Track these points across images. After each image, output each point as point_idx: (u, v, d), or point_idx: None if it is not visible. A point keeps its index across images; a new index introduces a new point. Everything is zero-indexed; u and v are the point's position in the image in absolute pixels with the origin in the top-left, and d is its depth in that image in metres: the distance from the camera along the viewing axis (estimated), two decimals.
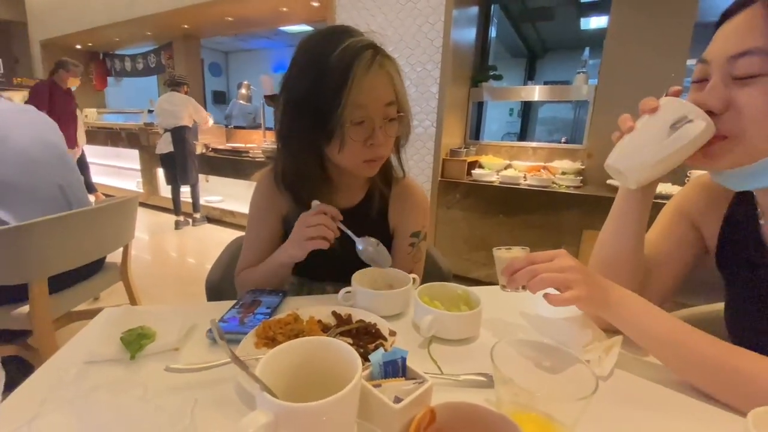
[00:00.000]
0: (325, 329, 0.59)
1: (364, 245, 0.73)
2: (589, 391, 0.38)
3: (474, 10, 2.86)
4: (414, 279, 0.73)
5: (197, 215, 4.03)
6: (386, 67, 0.68)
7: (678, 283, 0.69)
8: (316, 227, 0.68)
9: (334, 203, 0.75)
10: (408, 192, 0.87)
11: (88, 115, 5.18)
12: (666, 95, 0.54)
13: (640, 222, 0.63)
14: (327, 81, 0.65)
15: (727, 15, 0.50)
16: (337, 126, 0.67)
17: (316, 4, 3.33)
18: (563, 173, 2.46)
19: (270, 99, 4.64)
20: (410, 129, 0.79)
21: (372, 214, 0.84)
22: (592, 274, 0.55)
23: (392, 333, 0.60)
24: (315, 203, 0.72)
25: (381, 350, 0.41)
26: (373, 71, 0.66)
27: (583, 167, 2.52)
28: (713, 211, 0.64)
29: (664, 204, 0.73)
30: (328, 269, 0.85)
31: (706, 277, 0.68)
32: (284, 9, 3.64)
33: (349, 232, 0.72)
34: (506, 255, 0.62)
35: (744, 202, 0.60)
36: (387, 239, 0.88)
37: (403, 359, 0.41)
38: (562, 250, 0.56)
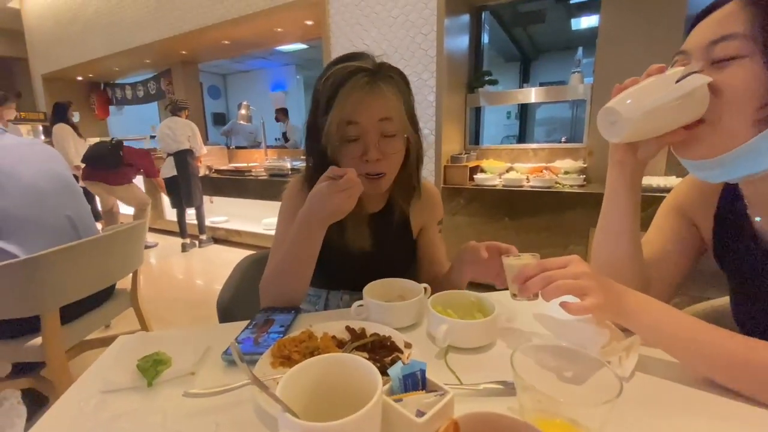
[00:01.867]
0: (340, 345, 0.59)
1: None
2: (614, 394, 0.37)
3: (465, 18, 2.90)
4: (425, 288, 0.73)
5: (203, 237, 4.05)
6: (380, 87, 0.70)
7: (681, 280, 0.68)
8: (349, 191, 0.65)
9: (358, 208, 0.77)
10: (426, 194, 0.92)
11: None
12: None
13: (633, 215, 0.62)
14: (319, 106, 0.72)
15: (705, 12, 0.52)
16: (329, 145, 0.72)
17: (310, 22, 3.39)
18: (566, 173, 2.46)
19: (281, 112, 4.78)
20: (421, 147, 0.83)
21: (394, 220, 0.88)
22: (606, 280, 0.54)
23: (408, 345, 0.59)
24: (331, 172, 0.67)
25: (399, 364, 0.41)
26: (362, 91, 0.69)
27: (585, 165, 2.52)
28: (706, 207, 0.64)
29: (664, 199, 0.72)
30: (345, 278, 0.88)
31: (717, 269, 0.67)
32: (279, 29, 3.71)
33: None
34: (516, 263, 0.61)
35: (732, 194, 0.60)
36: (410, 242, 0.93)
37: (423, 371, 0.41)
38: (575, 255, 0.55)
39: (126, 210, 4.06)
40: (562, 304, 0.53)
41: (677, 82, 0.49)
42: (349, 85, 0.68)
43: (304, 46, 5.45)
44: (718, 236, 0.62)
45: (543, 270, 0.54)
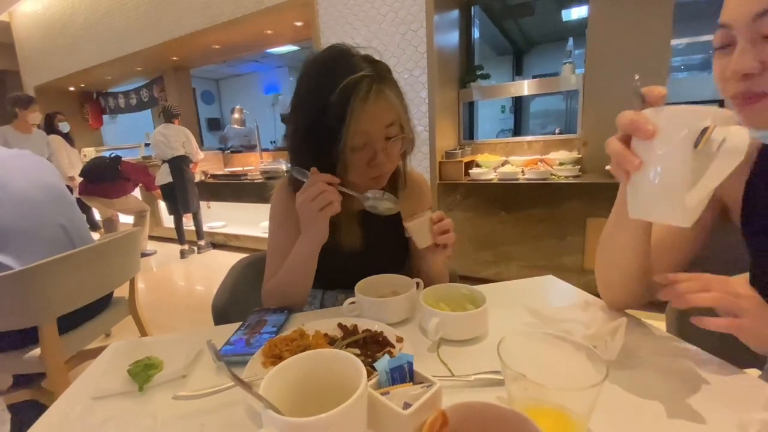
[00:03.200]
0: (332, 342, 0.59)
1: (369, 198, 0.74)
2: (600, 378, 0.37)
3: (455, 13, 2.89)
4: (418, 283, 0.73)
5: (202, 242, 4.04)
6: (384, 92, 0.70)
7: (688, 263, 0.67)
8: (321, 196, 0.67)
9: (348, 206, 0.79)
10: (411, 183, 0.92)
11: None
12: (644, 100, 0.44)
13: (646, 231, 0.58)
14: (327, 118, 0.69)
15: None
16: (340, 156, 0.71)
17: (299, 23, 3.38)
18: (561, 164, 2.46)
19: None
20: (414, 142, 0.82)
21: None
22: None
23: (399, 339, 0.59)
24: (307, 174, 0.70)
25: (386, 357, 0.41)
26: (371, 101, 0.68)
27: (580, 156, 2.52)
28: (735, 176, 0.62)
29: None
30: (340, 277, 0.88)
31: (736, 255, 0.65)
32: (269, 32, 3.70)
33: (350, 191, 0.72)
34: (419, 219, 0.72)
35: (764, 160, 0.58)
36: (402, 235, 0.90)
37: (410, 364, 0.41)
38: (743, 279, 0.51)
39: (125, 218, 4.07)
40: (698, 320, 0.47)
41: (696, 145, 0.39)
42: (359, 98, 0.67)
43: (295, 48, 5.44)
44: (748, 203, 0.59)
45: (705, 281, 0.49)
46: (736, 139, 0.37)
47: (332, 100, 0.67)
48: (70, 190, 3.25)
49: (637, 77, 0.46)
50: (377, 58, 0.75)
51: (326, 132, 0.70)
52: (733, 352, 0.53)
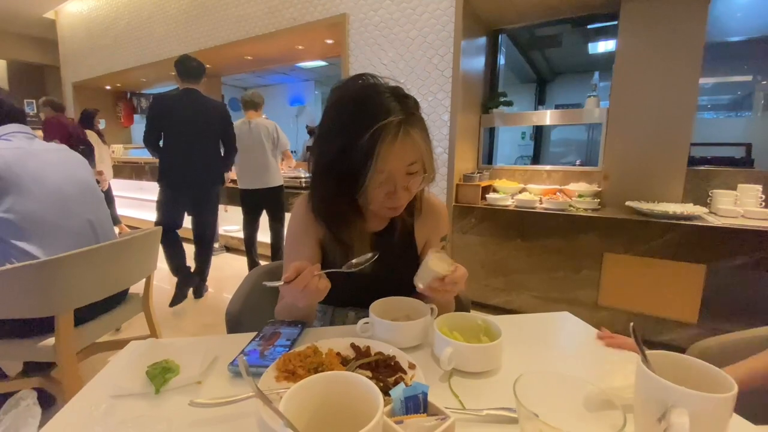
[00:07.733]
0: (344, 362, 0.59)
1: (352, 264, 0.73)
2: (618, 426, 0.36)
3: (482, 40, 2.94)
4: (432, 309, 0.73)
5: (216, 245, 4.10)
6: (410, 134, 0.71)
7: None
8: (309, 285, 0.66)
9: (362, 229, 0.83)
10: (430, 208, 0.93)
11: (115, 151, 5.42)
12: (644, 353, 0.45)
13: None
14: (353, 156, 0.70)
15: None
16: (362, 190, 0.73)
17: (330, 41, 3.49)
18: (580, 196, 2.44)
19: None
20: (435, 176, 0.83)
21: (396, 236, 0.89)
22: None
23: (412, 366, 0.59)
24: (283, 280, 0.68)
25: (402, 385, 0.41)
26: (398, 143, 0.69)
27: (600, 189, 2.49)
28: None
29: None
30: (351, 295, 0.89)
31: None
32: (300, 47, 3.82)
33: (333, 270, 0.71)
34: (443, 266, 0.69)
35: None
36: (414, 258, 0.93)
37: (425, 395, 0.41)
38: None
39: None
40: None
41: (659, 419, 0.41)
42: (387, 142, 0.68)
43: (323, 63, 5.59)
44: None
45: None
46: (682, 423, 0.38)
47: (360, 143, 0.69)
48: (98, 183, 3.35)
49: (632, 324, 0.48)
50: (402, 81, 0.77)
51: (351, 168, 0.72)
52: (753, 409, 0.52)
